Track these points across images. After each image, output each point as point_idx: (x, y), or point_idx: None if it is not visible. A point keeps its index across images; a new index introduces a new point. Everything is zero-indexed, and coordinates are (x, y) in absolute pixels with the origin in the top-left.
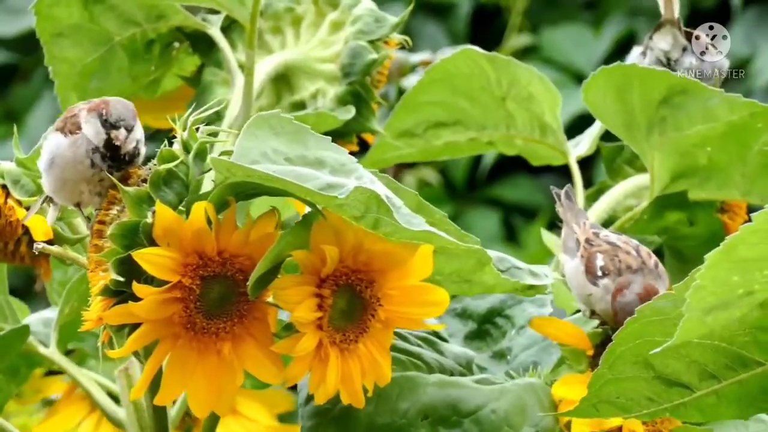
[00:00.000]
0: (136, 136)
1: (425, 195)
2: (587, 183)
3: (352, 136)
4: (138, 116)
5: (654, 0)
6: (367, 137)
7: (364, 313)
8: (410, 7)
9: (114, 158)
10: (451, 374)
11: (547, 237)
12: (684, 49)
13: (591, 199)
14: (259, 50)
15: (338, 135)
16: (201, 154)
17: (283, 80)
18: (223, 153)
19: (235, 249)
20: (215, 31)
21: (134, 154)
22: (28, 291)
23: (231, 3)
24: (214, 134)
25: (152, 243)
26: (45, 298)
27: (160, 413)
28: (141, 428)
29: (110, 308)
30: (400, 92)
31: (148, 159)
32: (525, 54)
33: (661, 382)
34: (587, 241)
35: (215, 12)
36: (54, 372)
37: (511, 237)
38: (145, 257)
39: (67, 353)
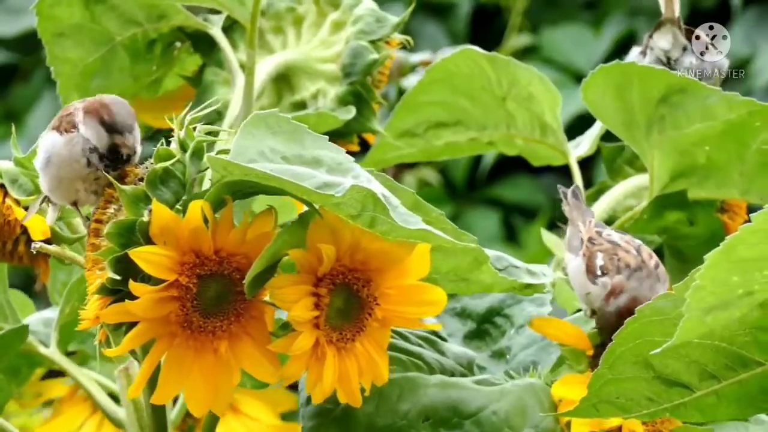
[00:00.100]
0: (135, 137)
1: (425, 195)
2: (587, 183)
3: (352, 136)
4: (136, 114)
5: (654, 0)
6: (368, 137)
7: (361, 312)
8: (411, 7)
9: (113, 159)
10: (452, 375)
11: (547, 237)
12: (684, 49)
13: (591, 199)
14: (261, 50)
15: (339, 135)
16: (198, 153)
17: (284, 80)
18: (220, 152)
19: (231, 248)
20: (216, 31)
21: (132, 153)
22: (28, 291)
23: (231, 3)
24: (214, 133)
25: (149, 241)
26: (45, 298)
27: (158, 413)
28: (141, 428)
29: (107, 307)
30: (400, 92)
31: (146, 158)
32: (525, 54)
33: (661, 382)
34: (590, 240)
35: (216, 12)
36: (55, 372)
37: (511, 237)
38: (142, 256)
39: (69, 355)
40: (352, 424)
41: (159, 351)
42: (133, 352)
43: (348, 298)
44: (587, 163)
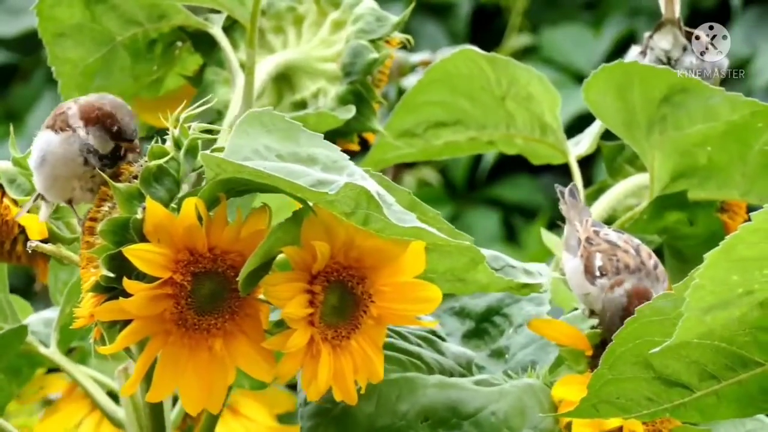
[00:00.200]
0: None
1: (425, 195)
2: (587, 182)
3: (353, 136)
4: (137, 114)
5: (654, 0)
6: (368, 137)
7: (356, 310)
8: (411, 6)
9: (113, 159)
10: (451, 375)
11: (547, 237)
12: (684, 49)
13: (591, 198)
14: (261, 49)
15: (339, 134)
16: (192, 151)
17: (284, 79)
18: (215, 150)
19: (226, 245)
20: (217, 31)
21: (137, 154)
22: (27, 291)
23: (231, 3)
24: (213, 133)
25: (143, 239)
26: (45, 298)
27: (157, 412)
28: (140, 428)
29: (101, 304)
30: (400, 92)
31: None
32: (525, 54)
33: (661, 382)
34: (587, 240)
35: (217, 12)
36: (55, 370)
37: (511, 237)
38: (136, 253)
39: (68, 352)
40: (350, 424)
41: (153, 349)
42: (128, 351)
43: (343, 295)
44: (587, 162)
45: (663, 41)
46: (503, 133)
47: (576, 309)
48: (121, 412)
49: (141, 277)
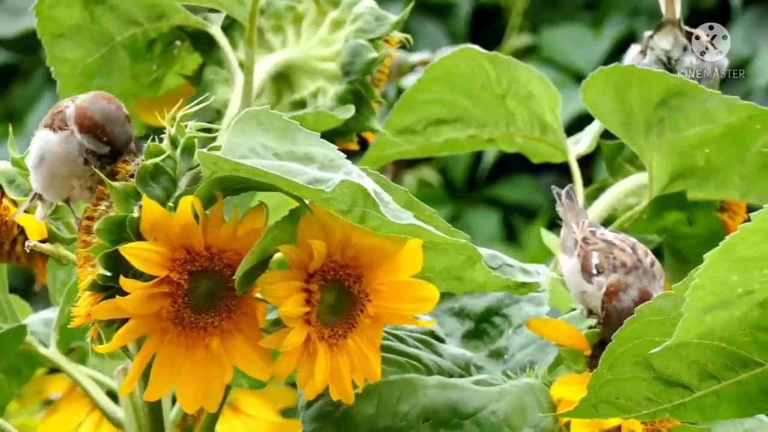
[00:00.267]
0: (131, 135)
1: (425, 195)
2: (587, 181)
3: (352, 135)
4: (136, 114)
5: (654, 0)
6: (368, 136)
7: (353, 309)
8: (410, 5)
9: (111, 157)
10: (450, 376)
11: (547, 237)
12: (684, 49)
13: (591, 198)
14: (261, 49)
15: (338, 134)
16: (188, 149)
17: (283, 79)
18: (211, 148)
19: (222, 244)
20: (216, 30)
21: (135, 154)
22: (27, 291)
23: (230, 2)
24: (209, 131)
25: (139, 238)
26: (45, 298)
27: (156, 411)
28: (139, 427)
29: (98, 303)
30: (399, 92)
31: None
32: (525, 54)
33: (661, 382)
34: (584, 239)
35: (216, 11)
36: (55, 370)
37: (511, 237)
38: (132, 252)
39: (68, 352)
40: (351, 426)
41: (150, 348)
42: (125, 350)
43: (339, 294)
44: (587, 161)
45: (663, 41)
46: (503, 132)
47: (574, 309)
48: (120, 412)
49: (138, 275)
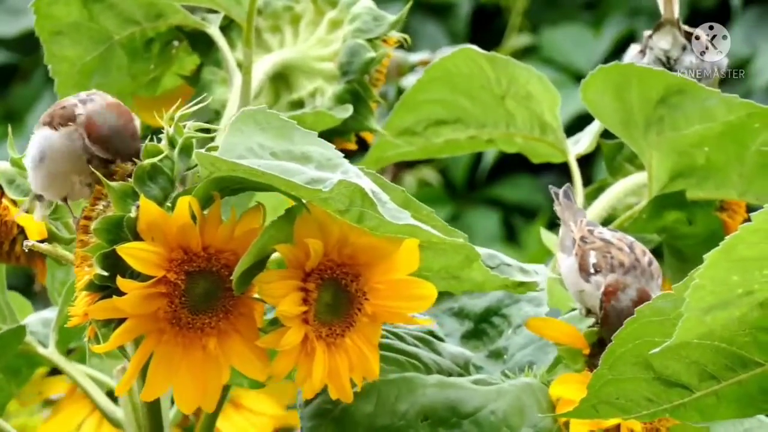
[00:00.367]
0: (137, 138)
1: (425, 195)
2: (587, 181)
3: (350, 135)
4: (134, 114)
5: (654, 0)
6: (366, 136)
7: (351, 307)
8: (409, 5)
9: (113, 163)
10: (449, 375)
11: (547, 236)
12: (684, 49)
13: (591, 197)
14: (258, 49)
15: (336, 133)
16: (186, 150)
17: (281, 79)
18: (209, 148)
19: (220, 244)
20: (214, 30)
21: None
22: (27, 291)
23: (228, 2)
24: (207, 131)
25: (137, 238)
26: (45, 297)
27: (155, 410)
28: (138, 427)
29: (95, 303)
30: (399, 92)
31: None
32: (525, 54)
33: (661, 382)
34: (582, 238)
35: (214, 11)
36: (57, 371)
37: (511, 237)
38: (129, 252)
39: (69, 352)
40: (350, 425)
41: (147, 348)
42: (122, 350)
43: (336, 293)
44: (587, 161)
45: (662, 41)
46: (503, 132)
47: (574, 310)
48: (119, 412)
49: (135, 275)
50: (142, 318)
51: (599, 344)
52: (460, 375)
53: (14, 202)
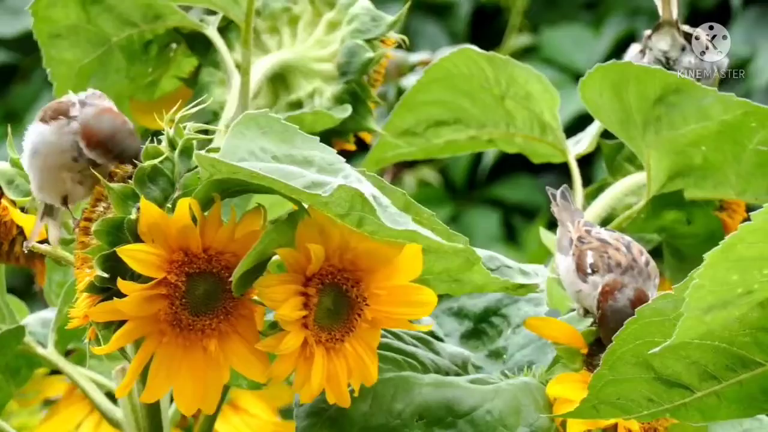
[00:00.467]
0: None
1: (425, 195)
2: (587, 181)
3: (349, 135)
4: (133, 116)
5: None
6: (365, 136)
7: (351, 313)
8: (407, 5)
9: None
10: (447, 374)
11: (546, 236)
12: (683, 49)
13: (591, 197)
14: (257, 50)
15: (335, 134)
16: (187, 151)
17: (280, 80)
18: (210, 150)
19: (220, 246)
20: (212, 32)
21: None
22: (27, 291)
23: (226, 3)
24: (209, 133)
25: (137, 239)
26: (42, 300)
27: (154, 411)
28: (138, 427)
29: (96, 305)
30: (399, 92)
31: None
32: (525, 54)
33: (662, 383)
34: (579, 238)
35: (212, 12)
36: (56, 372)
37: (511, 237)
38: (130, 253)
39: (67, 353)
40: (345, 424)
41: (148, 349)
42: (123, 352)
43: (337, 298)
44: (587, 161)
45: (661, 42)
46: (503, 132)
47: (573, 310)
48: (118, 412)
49: (135, 277)
50: (143, 320)
51: (597, 344)
52: (458, 374)
53: (14, 203)
